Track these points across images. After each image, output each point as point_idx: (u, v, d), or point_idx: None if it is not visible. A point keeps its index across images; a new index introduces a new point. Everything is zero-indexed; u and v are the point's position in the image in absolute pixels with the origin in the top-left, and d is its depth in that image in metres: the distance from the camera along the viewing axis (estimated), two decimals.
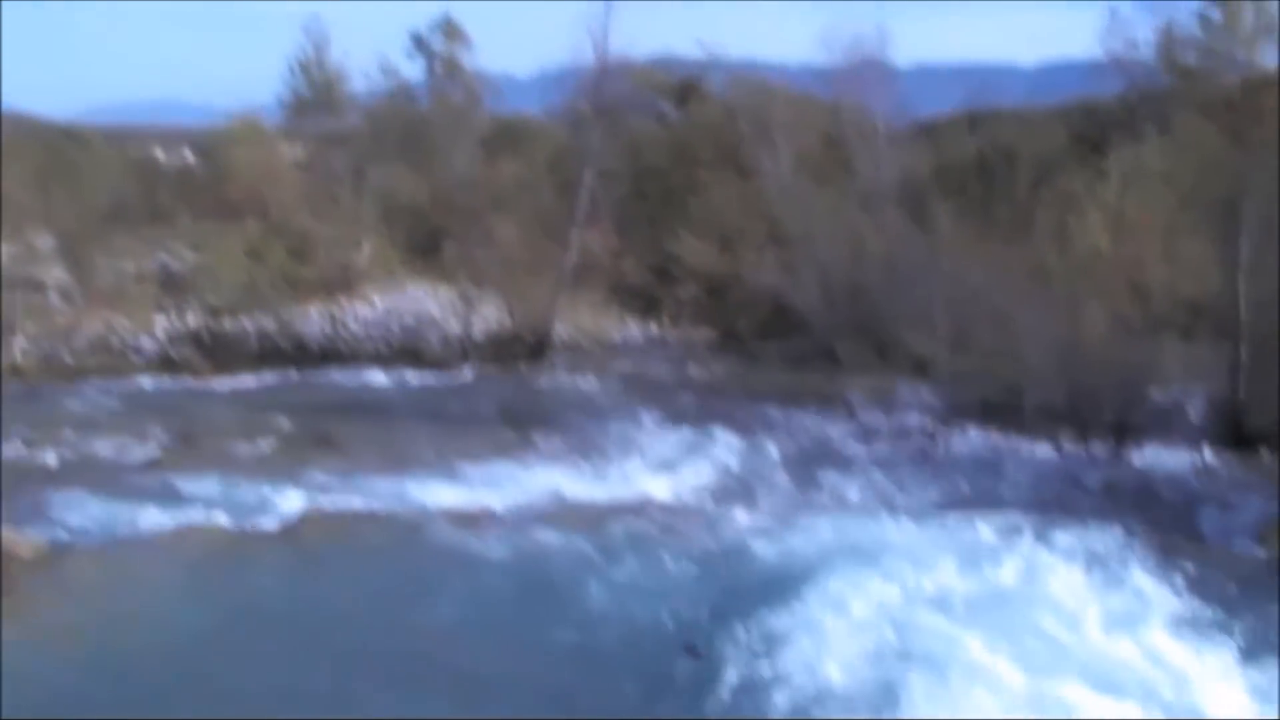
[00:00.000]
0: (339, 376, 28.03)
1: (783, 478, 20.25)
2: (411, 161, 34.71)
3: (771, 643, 13.08)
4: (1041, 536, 16.25)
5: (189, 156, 36.88)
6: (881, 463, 20.93)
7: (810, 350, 27.82)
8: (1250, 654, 12.77)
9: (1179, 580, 14.76)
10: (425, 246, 32.77)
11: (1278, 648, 12.60)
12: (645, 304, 32.34)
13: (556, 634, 13.58)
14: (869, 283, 27.63)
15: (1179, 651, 12.84)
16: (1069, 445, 21.19)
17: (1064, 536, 16.26)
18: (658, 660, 12.85)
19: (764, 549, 16.09)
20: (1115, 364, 21.06)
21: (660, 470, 20.29)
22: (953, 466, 20.68)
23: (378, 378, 27.96)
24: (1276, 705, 11.52)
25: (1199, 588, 14.58)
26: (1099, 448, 20.95)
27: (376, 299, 31.47)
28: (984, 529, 16.64)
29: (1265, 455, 20.21)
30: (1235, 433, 20.79)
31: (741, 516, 17.87)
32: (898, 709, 11.47)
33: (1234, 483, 19.42)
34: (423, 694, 12.05)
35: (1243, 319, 21.25)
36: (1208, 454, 20.60)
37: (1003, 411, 21.94)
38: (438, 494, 18.47)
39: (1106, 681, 12.04)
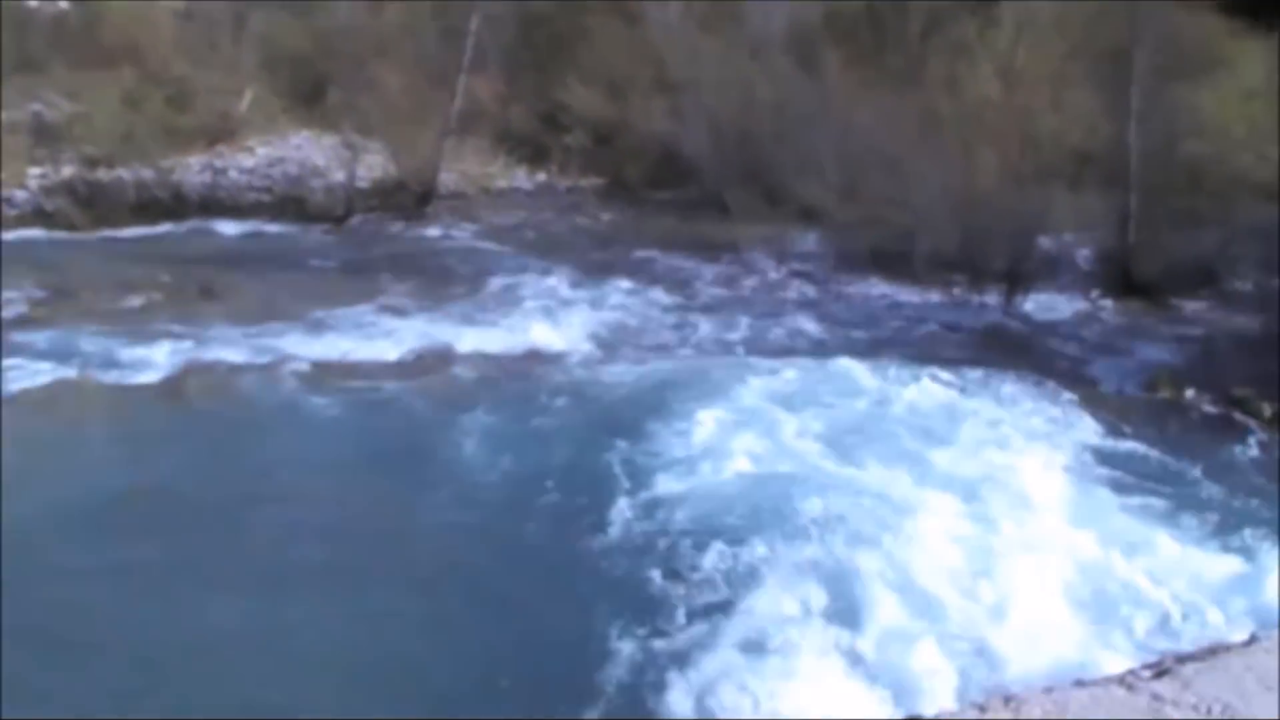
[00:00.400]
0: (220, 227, 27.23)
1: (671, 325, 20.23)
2: (293, 7, 33.60)
3: (649, 473, 13.38)
4: (932, 379, 16.48)
5: (63, 4, 35.48)
6: (770, 310, 20.95)
7: (699, 198, 27.59)
8: (1137, 487, 13.11)
9: (1069, 420, 15.07)
10: (308, 94, 31.84)
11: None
12: (533, 152, 31.78)
13: (433, 483, 13.59)
14: (759, 130, 27.36)
15: (1062, 483, 13.16)
16: (961, 293, 21.34)
17: (954, 379, 16.49)
18: (530, 499, 13.03)
19: (647, 392, 16.19)
20: (1006, 212, 21.13)
21: (546, 320, 20.08)
22: (844, 313, 20.77)
23: (260, 228, 27.26)
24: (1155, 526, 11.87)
25: (1090, 428, 14.91)
26: (991, 296, 21.12)
27: (258, 148, 30.63)
28: (873, 371, 16.85)
29: (1154, 303, 20.55)
30: (1125, 281, 21.09)
31: (627, 363, 17.91)
32: (780, 517, 12.01)
33: (1124, 330, 19.74)
34: (297, 549, 11.97)
35: (1132, 169, 21.40)
36: (1098, 301, 20.89)
37: (894, 260, 22.00)
38: (322, 346, 18.16)
39: (982, 504, 12.35)
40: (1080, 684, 5.00)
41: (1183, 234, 20.89)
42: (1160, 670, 5.01)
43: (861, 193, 23.14)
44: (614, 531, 12.28)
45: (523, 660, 10.34)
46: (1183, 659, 5.26)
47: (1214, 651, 5.32)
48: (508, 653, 10.49)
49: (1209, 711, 4.44)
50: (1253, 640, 5.24)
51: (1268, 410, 15.38)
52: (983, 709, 4.52)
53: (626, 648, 10.26)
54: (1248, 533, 11.99)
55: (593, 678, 9.87)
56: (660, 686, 9.79)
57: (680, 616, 10.73)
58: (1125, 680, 4.89)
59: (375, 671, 10.04)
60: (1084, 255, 22.60)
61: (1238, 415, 15.52)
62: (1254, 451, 14.50)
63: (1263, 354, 17.22)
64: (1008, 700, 4.68)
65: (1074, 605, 10.86)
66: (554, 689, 9.96)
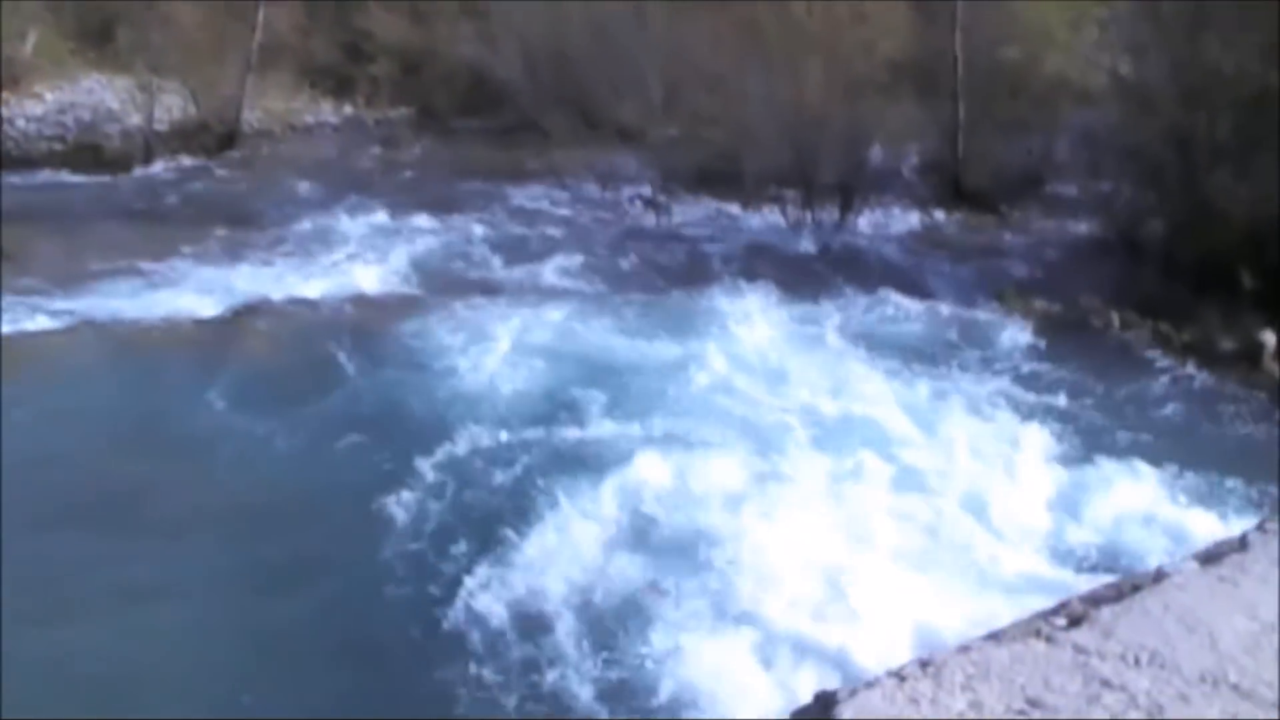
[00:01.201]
0: (9, 180, 25.71)
1: (491, 261, 19.64)
2: None
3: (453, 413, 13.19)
4: (764, 301, 16.22)
5: None
6: (597, 238, 20.51)
7: (515, 124, 26.95)
8: (998, 405, 13.05)
9: (919, 341, 14.95)
10: (97, 34, 30.38)
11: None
12: (338, 84, 30.80)
13: (245, 436, 12.97)
14: (573, 51, 26.75)
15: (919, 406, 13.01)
16: (792, 211, 21.11)
17: (787, 301, 16.25)
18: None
19: (461, 332, 15.72)
20: (835, 126, 20.93)
21: (363, 261, 19.33)
22: (672, 237, 20.42)
23: (53, 179, 25.79)
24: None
25: (942, 346, 14.79)
26: (824, 212, 20.92)
27: (47, 94, 29.12)
28: (700, 297, 16.56)
29: (986, 211, 20.60)
30: (956, 191, 21.12)
31: (444, 302, 17.36)
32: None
33: (961, 241, 19.75)
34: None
35: (959, 77, 21.37)
36: (932, 213, 20.89)
37: (722, 179, 21.71)
38: (129, 305, 17.12)
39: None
40: (994, 638, 4.66)
41: (1009, 142, 20.97)
42: (1074, 617, 4.69)
43: (683, 111, 22.78)
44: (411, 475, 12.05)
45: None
46: (1094, 601, 4.95)
47: (1123, 591, 5.02)
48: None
49: (1136, 661, 4.14)
50: (1162, 576, 4.95)
51: (1117, 320, 15.44)
52: (901, 677, 4.15)
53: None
54: (1107, 443, 12.00)
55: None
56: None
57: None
58: (1041, 631, 4.57)
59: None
60: (914, 167, 22.62)
61: (1089, 325, 15.55)
62: (1113, 362, 14.53)
63: (1100, 260, 17.37)
64: (925, 665, 4.31)
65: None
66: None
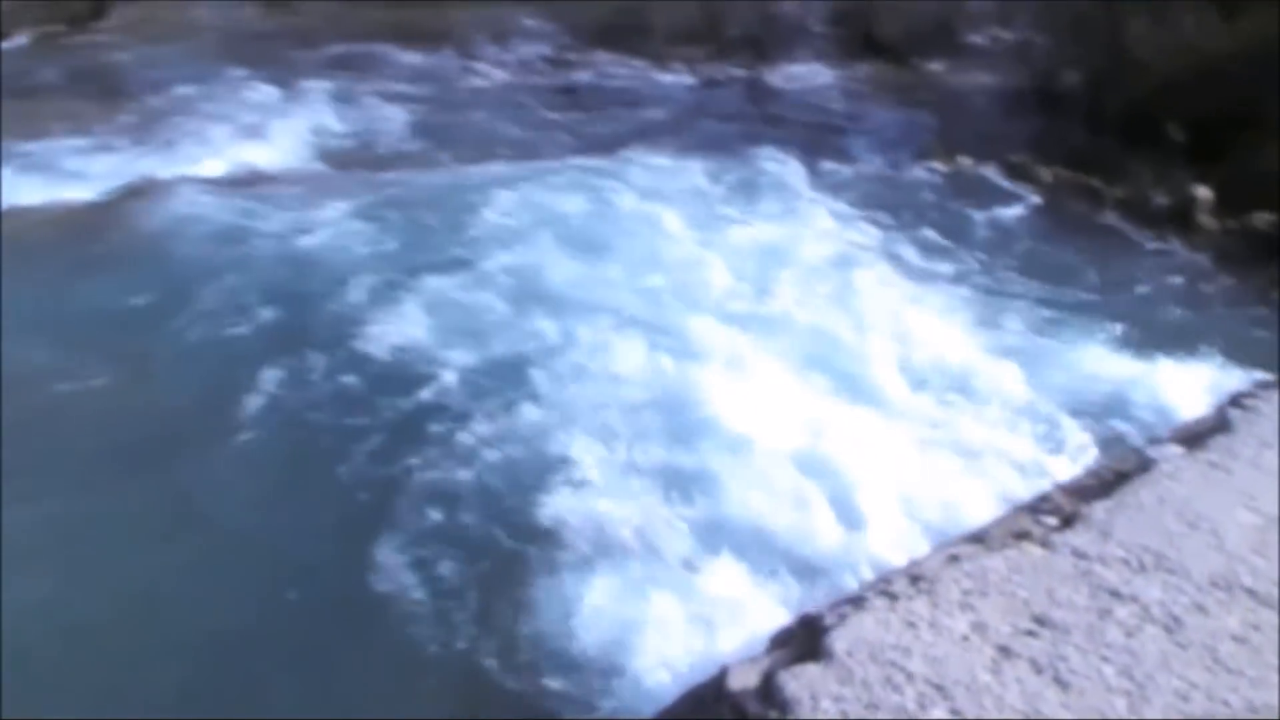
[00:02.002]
0: None
1: (387, 128, 18.98)
2: None
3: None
4: (674, 164, 15.82)
5: None
6: (496, 102, 19.90)
7: None
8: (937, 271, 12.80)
9: (849, 203, 14.64)
10: None
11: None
12: None
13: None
14: None
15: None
16: (701, 67, 20.62)
17: (700, 162, 15.86)
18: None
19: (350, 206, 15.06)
20: None
21: (254, 135, 18.49)
22: (576, 99, 19.87)
23: None
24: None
25: (877, 208, 14.51)
26: (734, 68, 20.47)
27: None
28: (608, 161, 16.10)
29: (898, 64, 20.26)
30: (866, 43, 20.72)
31: (338, 175, 16.69)
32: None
33: (877, 97, 19.39)
34: None
35: None
36: (844, 67, 20.53)
37: (627, 35, 21.21)
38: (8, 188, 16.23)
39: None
40: (982, 542, 4.36)
41: None
42: (1064, 515, 4.43)
43: None
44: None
45: None
46: (1080, 493, 4.71)
47: (1106, 479, 4.76)
48: None
49: (1142, 566, 3.90)
50: (1149, 464, 4.71)
51: (1047, 176, 15.20)
52: (892, 596, 3.88)
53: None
54: (1051, 304, 11.87)
55: None
56: None
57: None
58: (1034, 534, 4.30)
59: None
60: (825, 18, 22.21)
61: (1019, 181, 15.30)
62: (1049, 220, 14.33)
63: (1021, 114, 17.13)
64: (916, 580, 4.03)
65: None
66: None
